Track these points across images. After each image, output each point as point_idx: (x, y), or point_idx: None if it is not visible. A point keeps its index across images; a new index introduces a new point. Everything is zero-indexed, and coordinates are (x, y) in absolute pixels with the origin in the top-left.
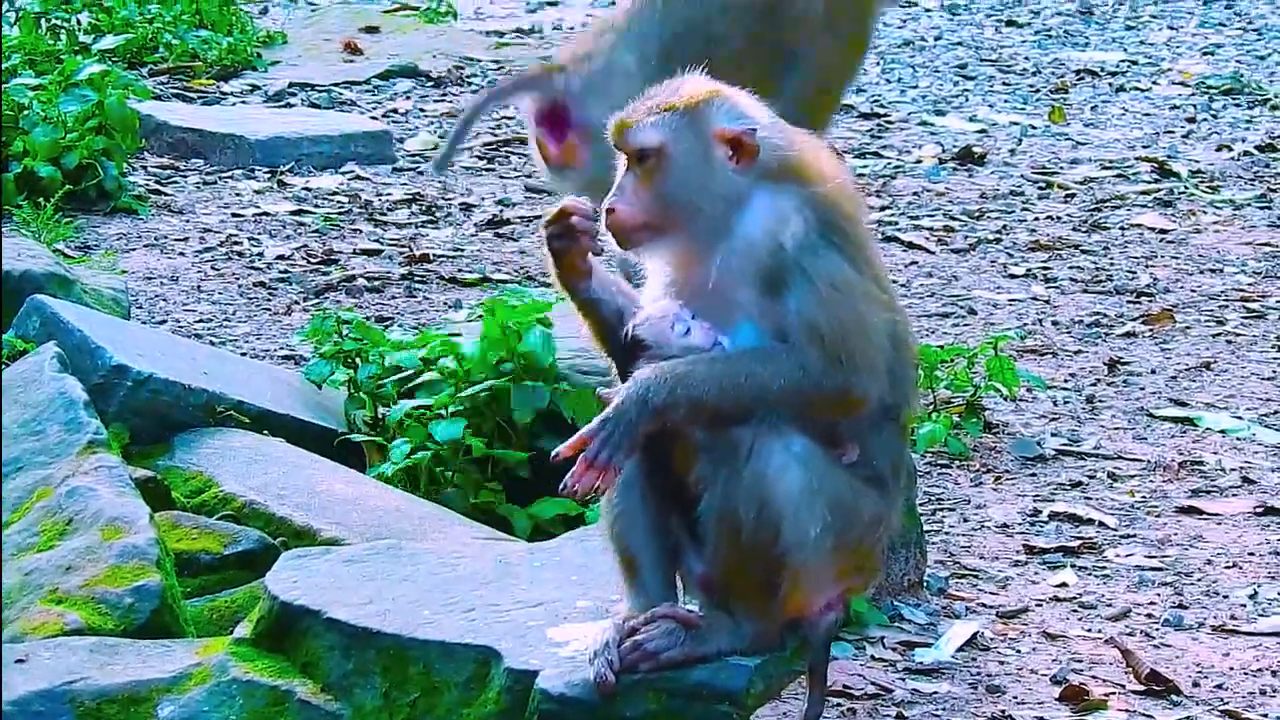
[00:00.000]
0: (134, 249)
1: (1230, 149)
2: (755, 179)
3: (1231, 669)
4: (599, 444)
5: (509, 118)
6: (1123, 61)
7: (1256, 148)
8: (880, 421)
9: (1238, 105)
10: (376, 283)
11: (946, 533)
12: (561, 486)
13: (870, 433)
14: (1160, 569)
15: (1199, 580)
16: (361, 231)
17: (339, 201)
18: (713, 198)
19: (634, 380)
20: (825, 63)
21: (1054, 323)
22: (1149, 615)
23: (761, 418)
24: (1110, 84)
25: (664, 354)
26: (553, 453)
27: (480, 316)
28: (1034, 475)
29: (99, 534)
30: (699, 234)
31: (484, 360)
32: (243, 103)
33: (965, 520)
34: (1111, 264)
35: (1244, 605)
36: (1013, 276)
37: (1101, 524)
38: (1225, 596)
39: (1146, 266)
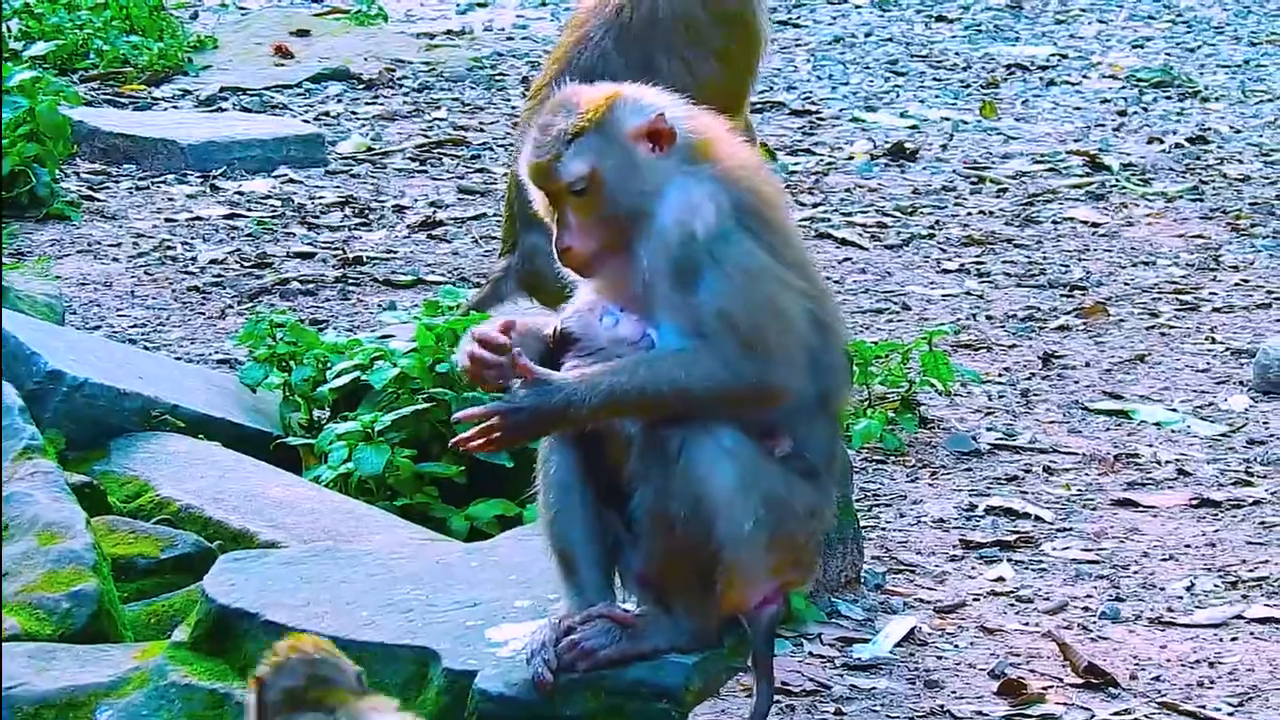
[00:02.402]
0: (67, 255)
1: (1161, 142)
2: (677, 163)
3: (1169, 661)
4: (503, 424)
5: (440, 118)
6: (1053, 55)
7: (1187, 140)
8: (812, 412)
9: (1168, 98)
10: (310, 286)
11: (883, 528)
12: (451, 441)
13: (802, 424)
14: (1096, 562)
15: (1135, 573)
16: (295, 235)
17: (272, 205)
18: (648, 193)
19: (561, 384)
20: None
21: (988, 317)
22: (1086, 608)
23: (687, 415)
24: (1041, 78)
25: (592, 347)
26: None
27: (415, 317)
28: (970, 470)
29: (35, 539)
30: (636, 234)
31: (421, 365)
32: (174, 108)
33: (902, 516)
34: (1045, 258)
35: (1180, 597)
36: (946, 272)
37: (1038, 518)
38: (1161, 589)
39: (1079, 260)
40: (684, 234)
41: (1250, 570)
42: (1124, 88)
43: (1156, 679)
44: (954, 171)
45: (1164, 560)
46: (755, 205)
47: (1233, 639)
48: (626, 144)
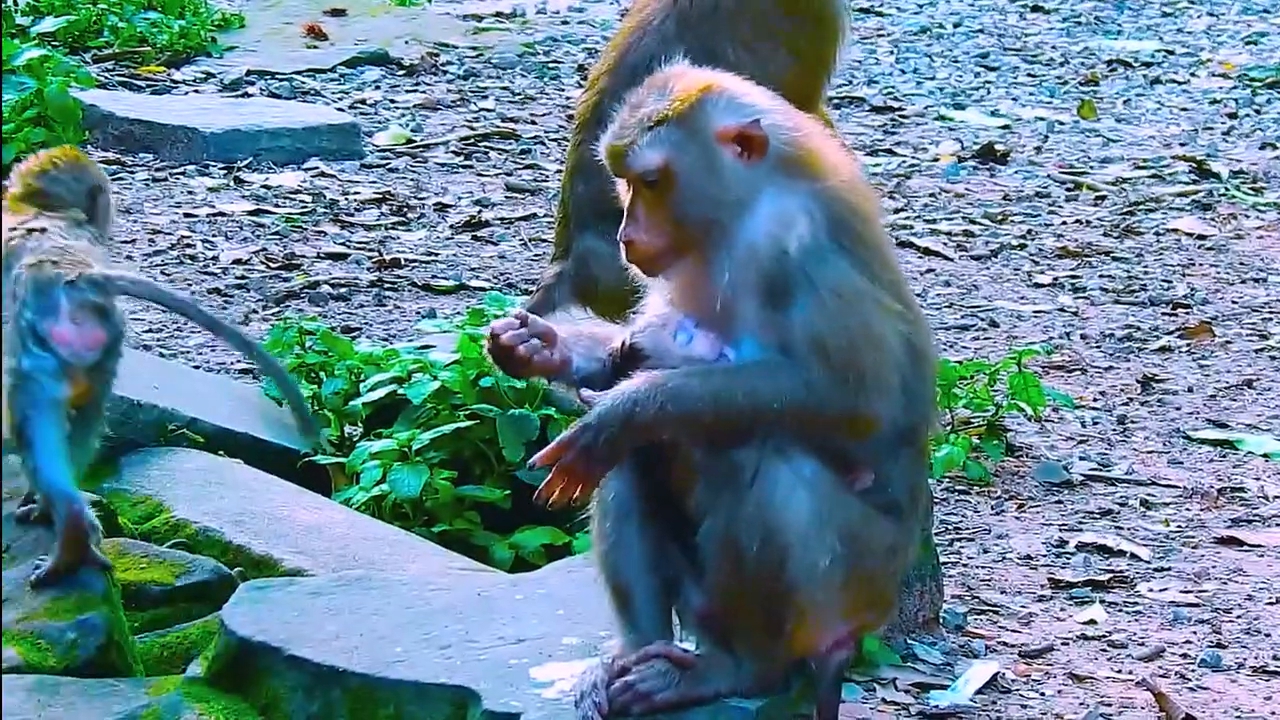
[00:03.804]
0: None
1: (1275, 147)
2: (768, 173)
3: (1274, 713)
4: (576, 453)
5: (487, 109)
6: (1158, 51)
7: None
8: (896, 444)
9: None
10: (343, 290)
11: (965, 565)
12: (535, 495)
13: (886, 456)
14: (1197, 605)
15: (1239, 617)
16: (326, 234)
17: (301, 201)
18: (728, 202)
19: (621, 389)
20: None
21: (1083, 336)
22: (1184, 655)
23: (764, 438)
24: (1145, 76)
25: (664, 365)
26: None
27: (457, 327)
28: (1060, 502)
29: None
30: (716, 243)
31: (463, 379)
32: (196, 92)
33: (985, 551)
34: (1145, 272)
35: None
36: (1038, 286)
37: (1133, 556)
38: (1267, 635)
39: (1183, 275)
40: (776, 249)
41: None
42: (1235, 87)
43: None
44: (1048, 176)
45: (1271, 604)
46: (852, 223)
47: None
48: (711, 144)
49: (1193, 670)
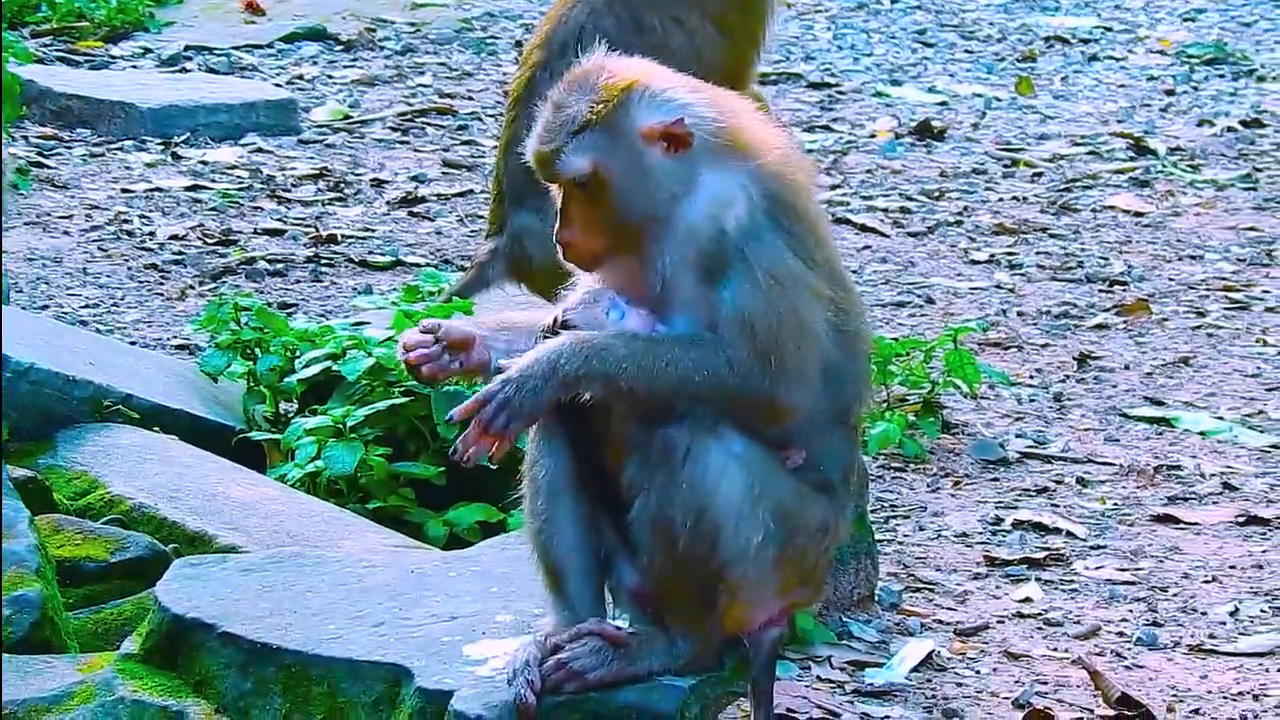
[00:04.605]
0: (14, 227)
1: (1212, 124)
2: (699, 160)
3: (1210, 692)
4: (496, 407)
5: (424, 85)
6: (1096, 28)
7: (1241, 123)
8: (829, 423)
9: (1221, 76)
10: (279, 265)
11: (900, 542)
12: (450, 450)
13: (818, 435)
14: (1133, 583)
15: (1175, 595)
16: (263, 209)
17: (238, 176)
18: (661, 198)
19: (545, 346)
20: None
21: (1019, 313)
22: (1120, 633)
23: (691, 415)
24: (1082, 52)
25: None
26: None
27: (393, 303)
28: (996, 480)
29: None
30: (654, 233)
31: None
32: (134, 67)
33: (921, 529)
34: (1082, 249)
35: (1223, 623)
36: (974, 263)
37: (1069, 534)
38: (1203, 613)
39: (1120, 252)
40: (714, 229)
41: None
42: (1173, 64)
43: (1195, 712)
44: (985, 153)
45: (1206, 582)
46: (789, 199)
47: None
48: (637, 145)
49: (1128, 648)
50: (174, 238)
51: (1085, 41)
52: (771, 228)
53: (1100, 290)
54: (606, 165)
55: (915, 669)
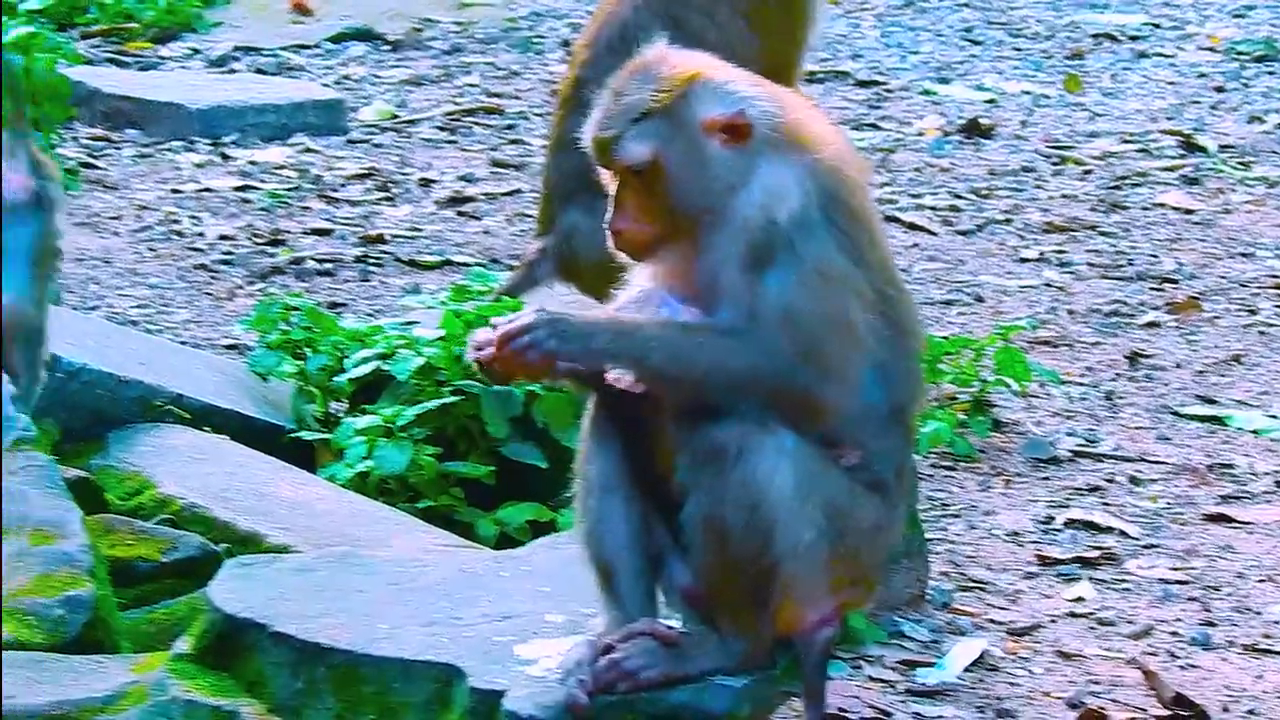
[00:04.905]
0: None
1: (1263, 121)
2: (757, 153)
3: (1265, 692)
4: (530, 335)
5: (472, 84)
6: (1145, 24)
7: None
8: (882, 423)
9: (1271, 73)
10: (328, 265)
11: (952, 542)
12: (465, 354)
13: (872, 434)
14: (1186, 582)
15: (1229, 595)
16: (311, 209)
17: (287, 176)
18: (717, 189)
19: (584, 318)
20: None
21: (1069, 311)
22: (1174, 633)
23: (727, 405)
24: (1131, 49)
25: None
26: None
27: (442, 303)
28: (1047, 479)
29: (26, 539)
30: (707, 225)
31: (448, 355)
32: (182, 68)
33: (972, 528)
34: (1132, 247)
35: (1278, 622)
36: (1024, 261)
37: (1122, 533)
38: (1258, 613)
39: (1171, 250)
40: (765, 219)
41: None
42: (1223, 61)
43: (1250, 712)
44: (1034, 151)
45: (1261, 581)
46: (844, 196)
47: None
48: (698, 135)
49: (1182, 648)
50: (223, 238)
51: (1134, 38)
52: (823, 223)
53: (1151, 288)
54: (665, 154)
55: (967, 669)
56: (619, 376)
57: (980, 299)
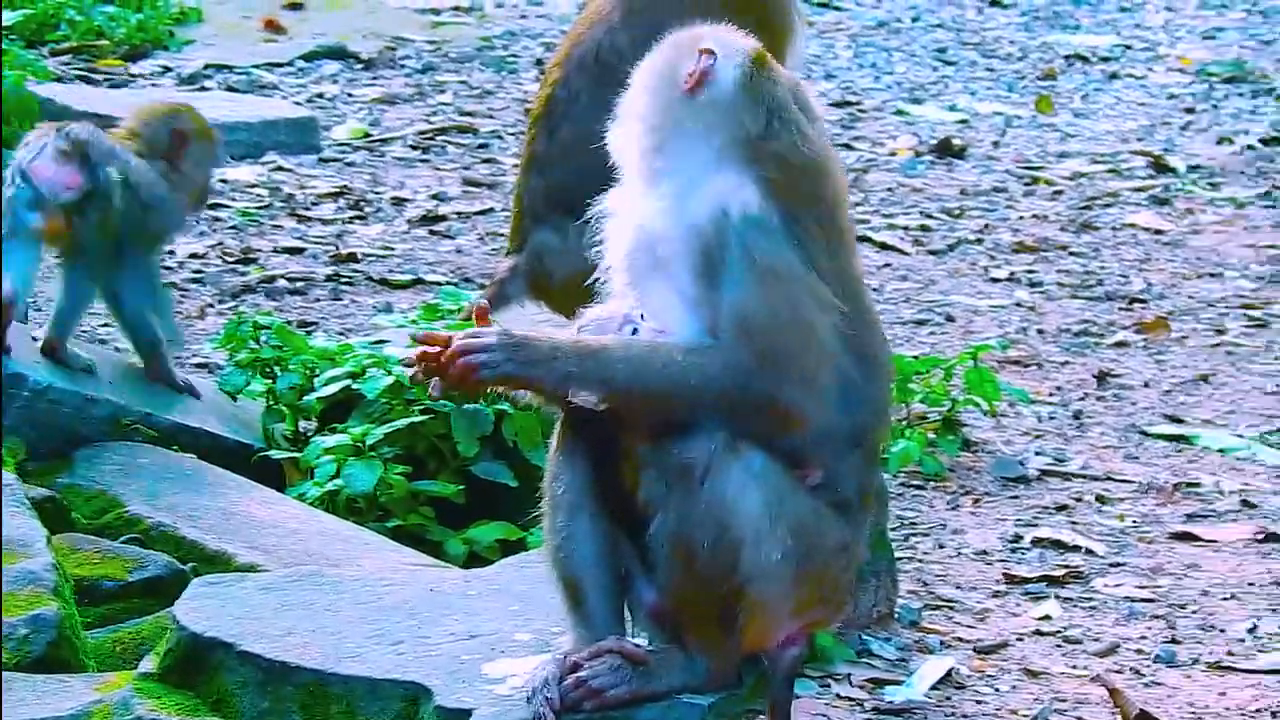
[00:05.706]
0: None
1: (1232, 142)
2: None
3: (1228, 709)
4: (487, 355)
5: (444, 103)
6: (1116, 46)
7: (1261, 141)
8: (846, 444)
9: (1240, 95)
10: (299, 284)
11: (920, 560)
12: (407, 360)
13: (835, 455)
14: (1152, 600)
15: (1194, 613)
16: (283, 228)
17: (258, 195)
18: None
19: (550, 339)
20: None
21: (1039, 331)
22: (1139, 651)
23: (694, 422)
24: (1102, 71)
25: None
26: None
27: (413, 321)
28: (1016, 498)
29: None
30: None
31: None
32: (153, 85)
33: (941, 546)
34: (1102, 267)
35: (1242, 640)
36: (994, 280)
37: (1089, 551)
38: (1222, 630)
39: (1140, 270)
40: (717, 213)
41: None
42: (1192, 82)
43: None
44: (1005, 171)
45: (1225, 600)
46: (812, 204)
47: None
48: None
49: (1147, 666)
50: (193, 256)
51: (1105, 60)
52: (782, 220)
53: (1120, 308)
54: None
55: (934, 687)
56: (584, 399)
57: (951, 318)
